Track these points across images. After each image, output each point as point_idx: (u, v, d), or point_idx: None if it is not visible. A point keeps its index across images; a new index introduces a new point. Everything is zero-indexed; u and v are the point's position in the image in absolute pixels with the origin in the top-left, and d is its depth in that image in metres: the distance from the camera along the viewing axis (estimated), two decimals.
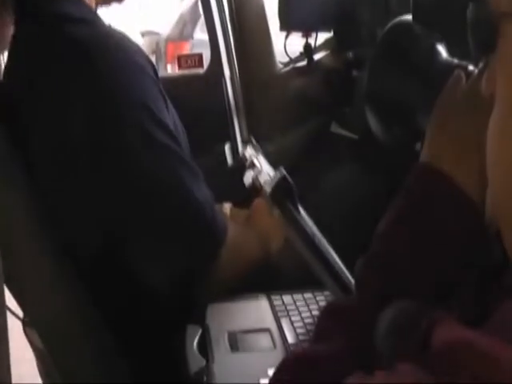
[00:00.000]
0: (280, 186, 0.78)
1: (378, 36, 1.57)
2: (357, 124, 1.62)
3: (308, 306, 1.15)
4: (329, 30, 1.65)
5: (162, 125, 1.07)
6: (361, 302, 0.64)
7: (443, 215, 0.64)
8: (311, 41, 1.66)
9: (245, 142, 1.04)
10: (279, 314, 1.12)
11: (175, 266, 1.15)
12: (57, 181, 1.10)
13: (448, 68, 0.73)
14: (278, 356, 1.00)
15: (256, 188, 0.88)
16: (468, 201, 0.63)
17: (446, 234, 0.64)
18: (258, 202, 1.40)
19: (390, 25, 0.78)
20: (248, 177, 0.90)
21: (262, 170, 0.88)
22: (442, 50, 0.76)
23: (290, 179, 0.80)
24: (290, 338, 1.04)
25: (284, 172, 0.80)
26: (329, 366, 0.61)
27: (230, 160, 1.84)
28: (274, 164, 1.70)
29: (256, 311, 1.14)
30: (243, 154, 1.00)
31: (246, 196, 1.52)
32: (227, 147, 1.83)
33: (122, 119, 1.04)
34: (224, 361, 0.99)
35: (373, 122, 0.81)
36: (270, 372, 0.94)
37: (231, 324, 1.09)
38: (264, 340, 1.05)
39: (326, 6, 1.57)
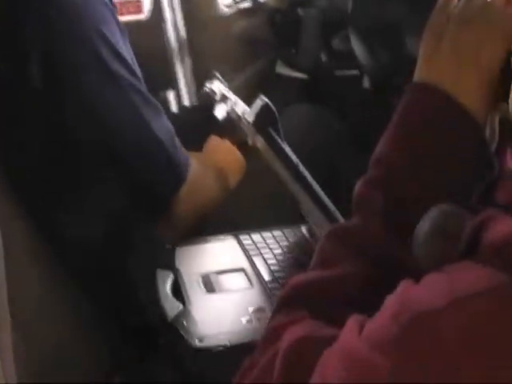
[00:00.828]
0: (263, 113, 0.71)
1: None
2: (305, 63, 1.56)
3: (278, 243, 1.10)
4: None
5: (119, 56, 0.98)
6: (366, 223, 0.59)
7: (444, 134, 0.59)
8: None
9: (210, 78, 0.96)
10: (251, 252, 1.07)
11: (136, 202, 1.07)
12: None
13: None
14: (256, 294, 0.94)
15: (232, 120, 0.81)
16: (469, 117, 0.58)
17: (449, 153, 0.58)
18: (213, 140, 1.33)
19: None
20: (221, 110, 0.83)
21: (237, 101, 0.81)
22: None
23: (272, 106, 0.73)
24: (266, 276, 0.99)
25: (266, 99, 0.73)
26: (342, 288, 0.56)
27: (174, 107, 1.76)
28: None
29: (227, 252, 1.08)
30: (210, 89, 0.92)
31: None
32: (171, 94, 1.74)
33: (76, 39, 0.95)
34: (201, 303, 0.92)
35: (357, 46, 0.75)
36: (251, 310, 0.89)
37: (203, 266, 1.02)
38: (239, 280, 0.99)
39: None
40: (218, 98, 0.86)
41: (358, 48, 0.75)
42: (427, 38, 0.63)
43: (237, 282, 0.98)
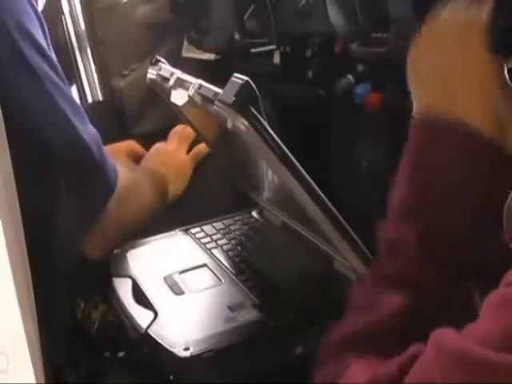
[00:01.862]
0: (244, 92, 0.62)
1: None
2: (216, 43, 1.48)
3: (234, 231, 1.02)
4: None
5: (39, 48, 0.85)
6: (407, 263, 0.55)
7: (463, 161, 0.54)
8: None
9: (152, 64, 0.85)
10: (207, 245, 0.98)
11: (58, 216, 0.93)
12: None
13: None
14: (228, 289, 0.86)
15: (196, 104, 0.71)
16: (483, 138, 0.53)
17: (477, 178, 0.54)
18: (157, 145, 1.22)
19: None
20: (179, 96, 0.73)
21: (203, 83, 0.71)
22: None
23: (253, 84, 0.64)
24: (231, 268, 0.91)
25: (244, 77, 0.65)
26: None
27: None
28: (127, 98, 1.53)
29: (182, 249, 0.99)
30: (159, 75, 0.81)
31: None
32: (73, 89, 1.61)
33: None
34: (173, 308, 0.83)
35: (334, 12, 0.68)
36: (229, 307, 0.81)
37: (161, 268, 0.92)
38: (206, 276, 0.90)
39: None
40: (171, 83, 0.76)
41: (335, 16, 0.69)
42: (413, 66, 0.58)
43: (204, 279, 0.89)
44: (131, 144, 1.27)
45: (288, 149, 0.70)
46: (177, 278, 0.89)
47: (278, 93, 1.49)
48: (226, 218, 1.06)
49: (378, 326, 0.54)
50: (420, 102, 0.58)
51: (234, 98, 0.63)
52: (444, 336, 0.44)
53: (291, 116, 1.43)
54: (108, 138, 1.29)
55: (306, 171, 0.70)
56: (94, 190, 0.93)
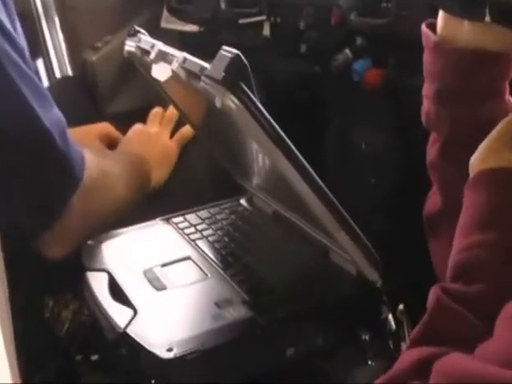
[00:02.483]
0: (234, 67, 0.62)
1: None
2: (200, 13, 1.47)
3: (220, 220, 1.02)
4: None
5: (4, 32, 0.84)
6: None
7: None
8: None
9: (130, 35, 0.84)
10: (191, 236, 0.98)
11: (19, 207, 0.92)
12: None
13: None
14: (214, 284, 0.86)
15: (180, 80, 0.70)
16: None
17: None
18: (136, 127, 1.20)
19: None
20: (162, 70, 0.72)
21: (186, 56, 0.71)
22: None
23: (243, 58, 0.64)
24: (218, 261, 0.91)
25: (234, 50, 0.64)
26: None
27: (45, 80, 1.61)
28: (100, 73, 1.52)
29: (163, 240, 0.99)
30: (138, 48, 0.80)
31: None
32: (40, 64, 1.60)
33: None
34: (154, 305, 0.83)
35: None
36: (216, 303, 0.82)
37: (140, 261, 0.92)
38: (190, 270, 0.90)
39: None
40: (153, 56, 0.75)
41: None
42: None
43: (187, 273, 0.89)
44: (105, 127, 1.26)
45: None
46: (158, 271, 0.89)
47: (267, 69, 1.49)
48: (212, 207, 1.06)
49: None
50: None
51: (223, 74, 0.63)
52: (451, 364, 0.45)
53: (282, 95, 1.43)
54: (78, 119, 1.28)
55: (300, 154, 0.70)
56: (57, 183, 0.92)
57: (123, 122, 1.31)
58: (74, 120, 1.25)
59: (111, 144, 1.25)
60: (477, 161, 0.64)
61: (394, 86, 1.20)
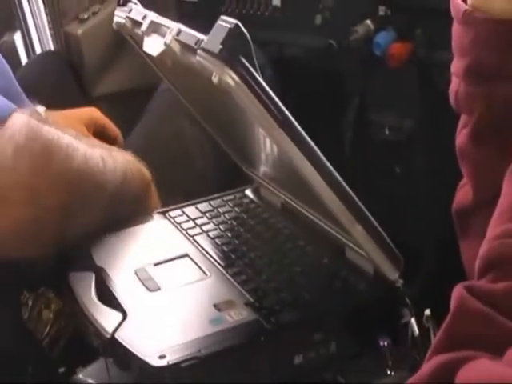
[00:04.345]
0: (233, 38, 0.64)
1: None
2: None
3: (223, 214, 1.05)
4: None
5: None
6: None
7: None
8: None
9: (120, 4, 0.86)
10: (189, 232, 1.01)
11: None
12: None
13: None
14: (214, 284, 0.89)
15: (174, 54, 0.73)
16: None
17: None
18: None
19: None
20: (154, 43, 0.74)
21: (181, 27, 0.73)
22: None
23: (244, 29, 0.66)
24: (219, 259, 0.94)
25: (233, 20, 0.67)
26: None
27: (23, 55, 1.64)
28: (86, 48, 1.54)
29: (158, 236, 1.01)
30: (128, 18, 0.82)
31: None
32: (17, 37, 1.62)
33: None
34: (146, 307, 0.86)
35: None
36: (216, 306, 0.84)
37: (132, 258, 0.95)
38: (187, 269, 0.93)
39: None
40: (144, 28, 0.78)
41: None
42: None
43: (184, 272, 0.92)
44: (92, 112, 1.29)
45: (290, 114, 0.72)
46: (151, 271, 0.92)
47: (277, 43, 1.52)
48: (214, 199, 1.08)
49: None
50: None
51: (220, 47, 0.65)
52: (477, 370, 0.46)
53: (294, 73, 1.45)
54: (61, 101, 1.31)
55: (312, 141, 0.72)
56: None
57: (111, 105, 1.34)
58: (56, 101, 1.28)
59: (98, 131, 1.27)
60: None
61: (422, 62, 1.22)
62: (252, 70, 0.66)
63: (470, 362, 0.50)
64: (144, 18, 0.80)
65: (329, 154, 0.76)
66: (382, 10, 1.27)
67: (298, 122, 0.71)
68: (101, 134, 1.29)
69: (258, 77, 0.66)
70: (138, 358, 0.78)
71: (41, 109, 1.21)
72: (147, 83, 1.31)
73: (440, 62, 0.97)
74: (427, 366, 0.56)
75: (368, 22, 1.28)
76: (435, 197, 1.06)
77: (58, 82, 1.48)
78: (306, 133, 0.72)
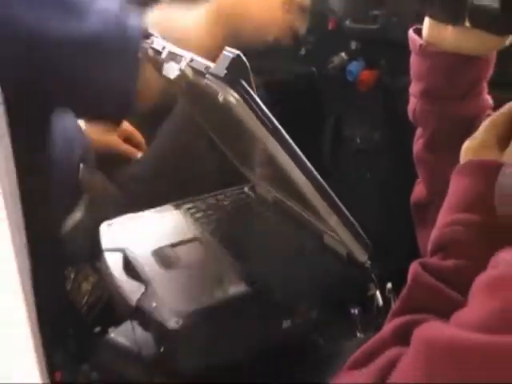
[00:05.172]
0: (235, 65, 0.63)
1: None
2: None
3: (226, 206, 1.03)
4: None
5: None
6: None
7: None
8: None
9: (144, 37, 0.83)
10: (199, 220, 0.98)
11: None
12: None
13: None
14: (218, 263, 0.87)
15: (187, 78, 0.71)
16: None
17: None
18: None
19: None
20: (171, 69, 0.72)
21: (194, 57, 0.71)
22: None
23: (244, 57, 0.64)
24: (223, 242, 0.91)
25: (235, 51, 0.65)
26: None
27: None
28: None
29: (174, 223, 0.99)
30: (151, 48, 0.80)
31: None
32: None
33: None
34: (162, 280, 0.83)
35: None
36: (222, 279, 0.82)
37: (152, 241, 0.93)
38: (197, 250, 0.90)
39: None
40: (163, 56, 0.75)
41: None
42: None
43: (194, 253, 0.90)
44: (122, 123, 1.27)
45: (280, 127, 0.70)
46: (168, 251, 0.90)
47: (270, 70, 1.49)
48: (219, 194, 1.06)
49: None
50: None
51: (225, 72, 0.63)
52: (431, 330, 0.45)
53: (283, 94, 1.43)
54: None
55: (298, 148, 0.70)
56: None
57: (138, 119, 1.31)
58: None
59: (127, 138, 1.26)
60: (469, 150, 0.64)
61: (386, 86, 1.20)
62: (250, 90, 0.64)
63: (422, 323, 0.48)
64: (163, 48, 0.78)
65: (311, 159, 0.74)
66: (353, 45, 1.24)
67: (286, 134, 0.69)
68: (129, 140, 1.27)
69: (254, 96, 0.64)
70: (157, 322, 0.76)
71: (82, 122, 1.19)
72: (165, 102, 1.29)
73: (401, 86, 0.94)
74: (387, 327, 0.55)
75: (342, 54, 1.25)
76: (396, 193, 1.04)
77: None
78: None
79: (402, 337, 0.50)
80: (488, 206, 0.56)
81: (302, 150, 0.72)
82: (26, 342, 0.43)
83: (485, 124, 0.65)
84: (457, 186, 0.60)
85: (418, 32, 0.76)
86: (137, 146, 1.27)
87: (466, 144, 0.63)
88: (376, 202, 1.23)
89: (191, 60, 0.71)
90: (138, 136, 1.27)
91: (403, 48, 0.80)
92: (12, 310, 0.45)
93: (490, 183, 0.56)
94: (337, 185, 0.81)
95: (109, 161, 1.22)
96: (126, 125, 1.28)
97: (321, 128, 1.38)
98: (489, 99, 0.76)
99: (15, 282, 0.46)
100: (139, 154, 1.25)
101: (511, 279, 0.43)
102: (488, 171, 0.57)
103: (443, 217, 0.60)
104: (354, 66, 1.20)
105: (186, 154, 1.16)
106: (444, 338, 0.43)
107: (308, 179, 0.73)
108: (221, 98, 0.64)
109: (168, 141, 1.18)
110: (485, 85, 0.75)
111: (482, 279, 0.45)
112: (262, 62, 1.44)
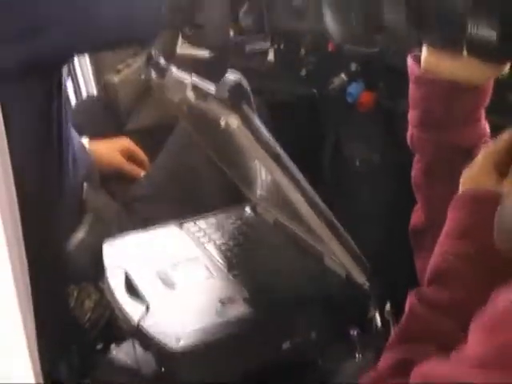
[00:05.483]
0: (236, 88, 0.64)
1: None
2: (207, 42, 1.48)
3: (227, 226, 1.03)
4: None
5: None
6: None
7: None
8: None
9: (148, 60, 0.85)
10: (201, 240, 0.99)
11: None
12: None
13: None
14: (219, 283, 0.87)
15: (190, 100, 0.72)
16: None
17: None
18: None
19: None
20: (174, 91, 0.73)
21: (196, 79, 0.72)
22: None
23: (245, 81, 0.65)
24: (224, 262, 0.92)
25: (237, 74, 0.66)
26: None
27: (71, 95, 1.61)
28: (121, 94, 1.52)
29: (175, 242, 0.99)
30: (152, 70, 0.81)
31: None
32: (69, 84, 1.60)
33: None
34: (164, 301, 0.84)
35: (329, 14, 0.68)
36: (220, 301, 0.82)
37: (154, 260, 0.93)
38: (198, 270, 0.91)
39: None
40: (167, 79, 0.76)
41: (330, 17, 0.69)
42: None
43: (196, 273, 0.90)
44: (125, 141, 1.28)
45: (280, 146, 0.71)
46: (169, 270, 0.90)
47: (271, 90, 1.51)
48: (220, 213, 1.07)
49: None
50: None
51: (227, 95, 0.64)
52: (430, 369, 0.45)
53: (284, 114, 1.44)
54: (103, 133, 1.30)
55: (297, 169, 0.71)
56: None
57: (140, 137, 1.33)
58: (98, 134, 1.28)
59: (130, 156, 1.27)
60: (467, 179, 0.64)
61: (385, 108, 1.21)
62: (251, 114, 0.65)
63: (419, 361, 0.49)
64: (167, 71, 0.79)
65: (311, 179, 0.74)
66: (353, 66, 1.25)
67: (286, 155, 0.70)
68: (132, 159, 1.28)
69: (256, 120, 0.65)
70: (158, 342, 0.76)
71: (85, 139, 1.20)
72: (168, 121, 1.30)
73: (400, 109, 0.95)
74: (384, 361, 0.55)
75: (342, 75, 1.26)
76: (395, 215, 1.04)
77: (99, 119, 1.47)
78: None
79: (400, 371, 0.50)
80: (484, 237, 0.56)
81: (301, 170, 0.73)
82: (25, 370, 0.44)
83: (483, 151, 0.65)
84: (453, 216, 0.61)
85: (417, 59, 0.76)
86: (140, 164, 1.28)
87: (465, 173, 0.63)
88: (376, 222, 1.23)
89: (194, 83, 0.72)
90: (141, 154, 1.28)
91: (402, 72, 0.80)
92: (11, 336, 0.45)
93: (487, 214, 0.56)
94: (336, 205, 0.82)
95: (112, 179, 1.23)
96: (129, 143, 1.29)
97: (321, 149, 1.39)
98: (486, 127, 0.76)
99: (14, 308, 0.46)
100: (142, 173, 1.25)
101: None
102: (484, 202, 0.58)
103: (440, 246, 0.61)
104: (353, 88, 1.21)
105: (188, 174, 1.16)
106: (442, 375, 0.43)
107: (308, 203, 0.73)
108: (222, 121, 0.65)
109: (170, 160, 1.19)
110: (482, 112, 0.75)
111: (483, 319, 0.45)
112: (264, 82, 1.45)
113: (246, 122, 0.65)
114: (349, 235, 0.80)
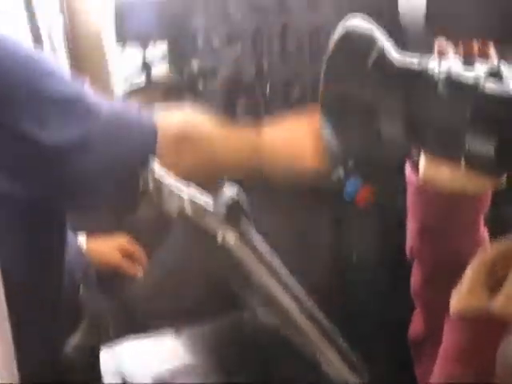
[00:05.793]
0: (235, 204, 0.64)
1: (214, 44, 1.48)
2: None
3: (225, 331, 1.02)
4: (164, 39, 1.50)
5: None
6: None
7: None
8: (149, 53, 1.50)
9: (146, 171, 0.85)
10: (199, 347, 0.98)
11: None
12: None
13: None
14: None
15: (187, 215, 0.72)
16: None
17: None
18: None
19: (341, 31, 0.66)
20: (172, 205, 0.73)
21: (194, 193, 0.72)
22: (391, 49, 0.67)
23: (243, 194, 0.66)
24: (221, 369, 0.90)
25: (234, 187, 0.66)
26: None
27: None
28: None
29: (172, 349, 0.98)
30: (150, 184, 0.81)
31: None
32: None
33: None
34: None
35: (329, 127, 0.68)
36: None
37: (151, 366, 0.92)
38: (195, 378, 0.89)
39: (162, 15, 1.43)
40: (166, 192, 0.76)
41: (330, 131, 0.70)
42: None
43: (192, 380, 0.88)
44: (122, 241, 1.29)
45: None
46: (166, 378, 0.89)
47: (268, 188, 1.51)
48: (218, 319, 1.05)
49: None
50: None
51: (224, 211, 0.65)
52: None
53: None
54: (99, 228, 1.30)
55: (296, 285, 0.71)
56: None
57: (139, 231, 1.33)
58: (95, 230, 1.28)
59: (128, 254, 1.26)
60: (457, 300, 0.64)
61: (382, 205, 1.21)
62: (249, 228, 0.66)
63: None
64: (165, 184, 0.79)
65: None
66: (350, 163, 1.27)
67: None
68: (130, 257, 1.28)
69: (254, 235, 0.66)
70: None
71: (83, 237, 1.20)
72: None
73: (396, 206, 0.95)
74: None
75: (340, 170, 1.27)
76: (393, 313, 1.03)
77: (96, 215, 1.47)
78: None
79: None
80: (479, 359, 0.55)
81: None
82: None
83: (471, 266, 0.65)
84: (449, 337, 0.60)
85: (415, 165, 0.76)
86: (137, 262, 1.28)
87: (454, 293, 0.63)
88: (373, 319, 1.21)
89: (192, 197, 0.72)
90: (139, 253, 1.28)
91: (399, 170, 0.80)
92: None
93: (481, 335, 0.55)
94: (336, 301, 0.81)
95: (109, 277, 1.22)
96: (127, 242, 1.29)
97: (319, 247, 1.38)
98: (486, 234, 0.76)
99: None
100: (140, 272, 1.25)
101: None
102: (477, 323, 0.57)
103: (440, 366, 0.60)
104: (351, 186, 1.22)
105: (185, 279, 1.16)
106: None
107: (306, 316, 0.73)
108: (220, 236, 0.66)
109: (166, 265, 1.19)
110: (482, 219, 0.75)
111: None
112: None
113: (244, 238, 0.65)
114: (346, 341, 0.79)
